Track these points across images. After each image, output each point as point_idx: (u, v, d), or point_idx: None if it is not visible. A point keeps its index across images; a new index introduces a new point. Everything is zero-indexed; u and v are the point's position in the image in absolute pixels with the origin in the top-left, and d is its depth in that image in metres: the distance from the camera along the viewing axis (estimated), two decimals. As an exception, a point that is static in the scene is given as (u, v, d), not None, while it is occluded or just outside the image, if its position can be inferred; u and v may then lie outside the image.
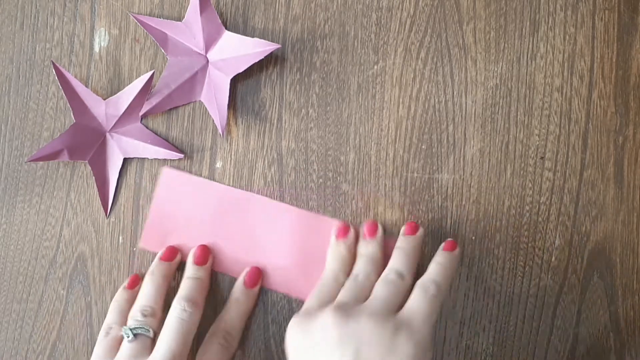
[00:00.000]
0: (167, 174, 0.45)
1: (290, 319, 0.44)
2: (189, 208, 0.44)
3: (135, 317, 0.41)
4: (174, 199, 0.45)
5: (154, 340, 0.40)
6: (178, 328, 0.39)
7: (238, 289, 0.43)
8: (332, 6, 0.45)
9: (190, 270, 0.43)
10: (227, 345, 0.41)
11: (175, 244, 0.44)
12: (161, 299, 0.42)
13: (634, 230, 0.44)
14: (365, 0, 0.45)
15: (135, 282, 0.44)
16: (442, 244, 0.41)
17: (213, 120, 0.45)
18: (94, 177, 0.45)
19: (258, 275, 0.44)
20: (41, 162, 0.46)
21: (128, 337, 0.39)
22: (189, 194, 0.44)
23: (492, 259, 0.44)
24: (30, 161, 0.44)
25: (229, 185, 0.45)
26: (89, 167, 0.45)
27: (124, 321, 0.42)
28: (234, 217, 0.44)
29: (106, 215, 0.46)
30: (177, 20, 0.45)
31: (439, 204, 0.44)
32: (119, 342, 0.41)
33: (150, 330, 0.40)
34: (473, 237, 0.44)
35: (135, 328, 0.40)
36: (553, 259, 0.44)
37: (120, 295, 0.43)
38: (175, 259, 0.44)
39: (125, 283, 0.44)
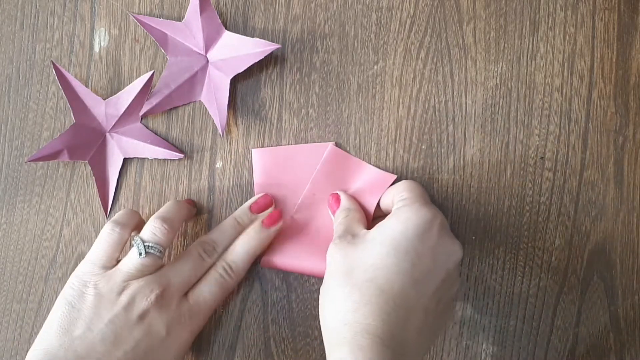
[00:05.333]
0: (257, 154, 0.45)
1: (290, 318, 0.44)
2: (287, 175, 0.44)
3: (152, 229, 0.40)
4: (271, 173, 0.44)
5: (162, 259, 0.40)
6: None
7: (253, 226, 0.43)
8: (332, 6, 0.45)
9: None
10: (226, 278, 0.41)
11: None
12: (180, 219, 0.42)
13: (634, 230, 0.43)
14: (365, 0, 0.45)
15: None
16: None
17: (213, 120, 0.45)
18: (94, 177, 0.45)
19: (278, 218, 0.43)
20: (41, 162, 0.46)
21: (140, 253, 0.39)
22: (283, 164, 0.44)
23: (492, 259, 0.44)
24: (30, 161, 0.44)
25: (228, 184, 0.45)
26: (89, 167, 0.45)
27: (127, 225, 0.41)
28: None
29: (106, 215, 0.46)
30: (177, 20, 0.45)
31: (439, 204, 0.44)
32: (121, 243, 0.40)
33: (162, 252, 0.39)
34: (473, 237, 0.44)
35: (149, 246, 0.39)
36: (553, 259, 0.44)
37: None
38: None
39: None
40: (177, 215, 0.42)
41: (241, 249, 0.42)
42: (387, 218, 0.38)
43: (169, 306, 0.39)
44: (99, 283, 0.38)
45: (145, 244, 0.39)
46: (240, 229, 0.43)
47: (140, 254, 0.39)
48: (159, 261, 0.40)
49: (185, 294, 0.40)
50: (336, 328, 0.34)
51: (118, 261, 0.40)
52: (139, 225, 0.42)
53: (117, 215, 0.42)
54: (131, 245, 0.40)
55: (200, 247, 0.41)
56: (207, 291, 0.41)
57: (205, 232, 0.45)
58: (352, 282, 0.35)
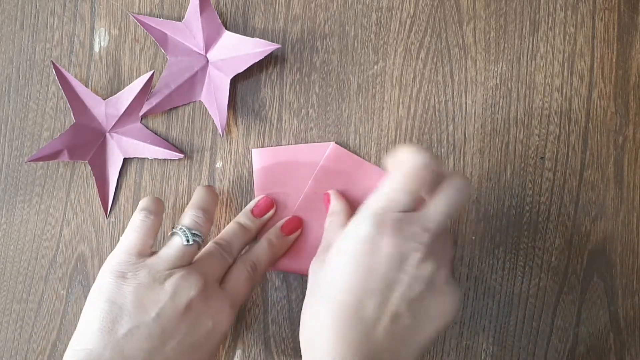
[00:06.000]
0: (258, 154, 0.44)
1: (290, 319, 0.44)
2: (287, 175, 0.44)
3: (194, 217, 0.39)
4: (271, 173, 0.44)
5: (199, 248, 0.39)
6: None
7: (273, 232, 0.43)
8: (332, 6, 0.45)
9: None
10: (253, 275, 0.41)
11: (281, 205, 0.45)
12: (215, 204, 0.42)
13: (634, 230, 0.43)
14: (365, 0, 0.45)
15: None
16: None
17: (213, 120, 0.45)
18: (94, 177, 0.45)
19: (297, 224, 0.43)
20: (41, 162, 0.46)
21: (188, 240, 0.38)
22: (283, 164, 0.44)
23: (492, 259, 0.44)
24: (30, 161, 0.44)
25: (228, 184, 0.45)
26: (89, 167, 0.45)
27: (159, 212, 0.40)
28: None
29: (106, 215, 0.46)
30: (177, 20, 0.45)
31: (439, 204, 0.44)
32: (155, 230, 0.39)
33: (203, 241, 0.39)
34: (473, 237, 0.44)
35: (195, 234, 0.39)
36: (553, 259, 0.44)
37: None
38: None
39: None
40: (212, 206, 0.41)
41: (263, 253, 0.42)
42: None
43: (211, 297, 0.38)
44: (139, 273, 0.37)
45: (192, 231, 0.39)
46: (248, 232, 0.43)
47: (187, 240, 0.38)
48: (197, 251, 0.39)
49: (220, 285, 0.40)
50: (306, 349, 0.35)
51: (152, 251, 0.39)
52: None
53: (146, 203, 0.40)
54: (172, 234, 0.39)
55: (219, 246, 0.41)
56: (241, 283, 0.40)
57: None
58: (315, 301, 0.35)
